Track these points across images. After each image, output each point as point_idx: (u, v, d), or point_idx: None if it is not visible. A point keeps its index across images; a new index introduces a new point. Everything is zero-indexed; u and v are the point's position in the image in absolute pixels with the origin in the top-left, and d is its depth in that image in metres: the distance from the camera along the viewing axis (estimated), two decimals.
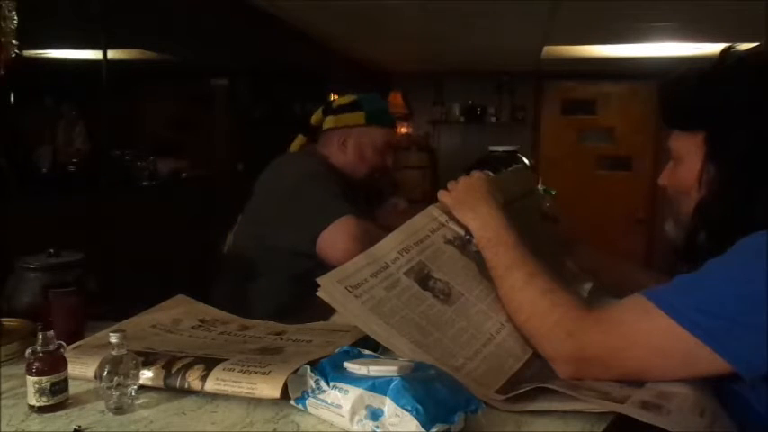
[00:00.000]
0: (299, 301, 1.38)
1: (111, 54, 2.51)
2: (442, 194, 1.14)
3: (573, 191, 5.38)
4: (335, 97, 1.89)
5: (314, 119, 1.81)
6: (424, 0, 3.52)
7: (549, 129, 6.66)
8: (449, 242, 1.09)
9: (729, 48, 0.99)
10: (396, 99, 6.38)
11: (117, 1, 2.50)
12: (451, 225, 1.12)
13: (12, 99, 2.04)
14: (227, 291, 1.62)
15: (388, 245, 1.05)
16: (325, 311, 1.14)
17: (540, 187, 1.40)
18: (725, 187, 0.94)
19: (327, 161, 1.71)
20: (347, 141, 1.73)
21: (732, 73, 0.96)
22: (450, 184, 1.15)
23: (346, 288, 0.95)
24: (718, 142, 0.95)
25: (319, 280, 0.95)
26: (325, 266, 1.36)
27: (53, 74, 2.32)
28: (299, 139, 1.84)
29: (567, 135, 6.63)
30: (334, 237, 1.45)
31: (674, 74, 1.01)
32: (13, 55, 1.38)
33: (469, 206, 1.09)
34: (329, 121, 1.76)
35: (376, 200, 1.86)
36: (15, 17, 1.38)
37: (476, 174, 1.15)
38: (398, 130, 6.31)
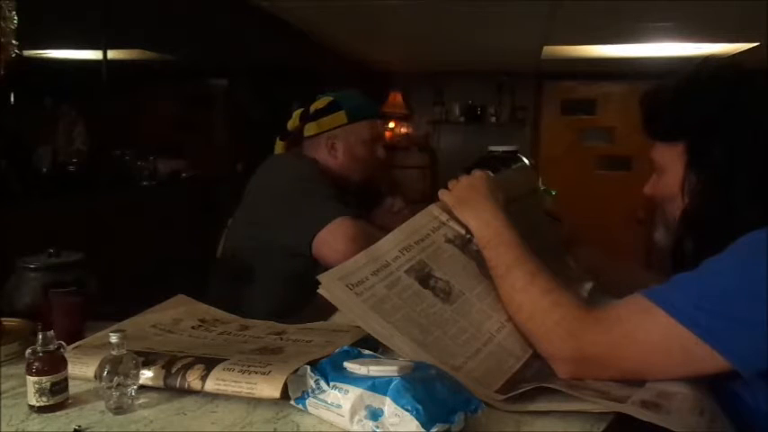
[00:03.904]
0: (295, 302, 1.39)
1: (111, 54, 2.51)
2: (442, 193, 1.14)
3: (573, 191, 5.37)
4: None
5: (290, 125, 1.76)
6: (424, 0, 3.51)
7: (549, 129, 6.65)
8: (449, 241, 1.09)
9: (707, 58, 1.02)
10: (396, 99, 6.38)
11: (117, 1, 2.50)
12: (452, 224, 1.11)
13: (12, 99, 2.04)
14: (223, 293, 1.61)
15: (389, 243, 1.05)
16: (323, 312, 1.14)
17: (540, 187, 1.41)
18: (706, 195, 0.97)
19: (318, 164, 1.69)
20: (336, 145, 1.69)
21: (707, 85, 0.99)
22: (450, 183, 1.15)
23: (347, 286, 0.95)
24: (697, 152, 0.99)
25: (320, 278, 0.95)
26: (321, 268, 1.37)
27: (53, 74, 2.31)
28: (279, 145, 1.79)
29: (567, 135, 6.63)
30: (332, 238, 1.45)
31: (653, 87, 1.04)
32: (13, 55, 1.37)
33: (470, 205, 1.10)
34: (311, 128, 1.71)
35: (373, 200, 1.85)
36: (15, 17, 1.38)
37: (477, 172, 1.15)
38: (389, 125, 6.31)
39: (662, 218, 1.08)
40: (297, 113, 1.76)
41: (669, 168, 1.02)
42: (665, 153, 1.03)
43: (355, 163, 1.72)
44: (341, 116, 1.70)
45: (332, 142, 1.70)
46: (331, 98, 1.73)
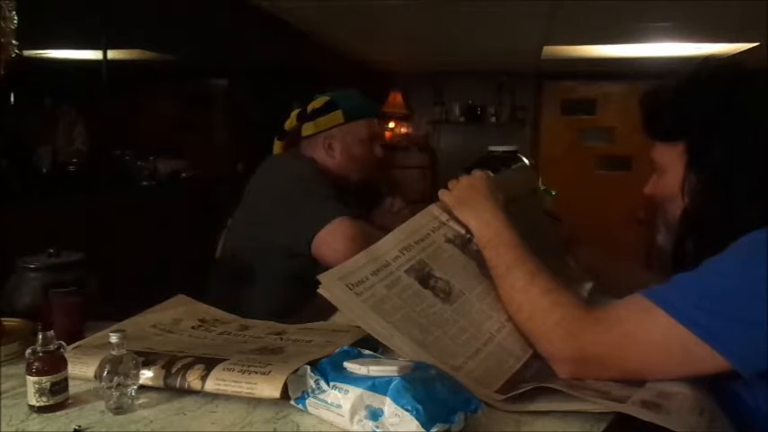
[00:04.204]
0: (295, 302, 1.39)
1: (111, 54, 2.51)
2: (442, 193, 1.14)
3: (573, 191, 5.37)
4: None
5: (288, 125, 1.76)
6: (424, 0, 3.52)
7: (549, 129, 6.66)
8: (449, 241, 1.09)
9: (707, 58, 1.02)
10: (396, 99, 6.38)
11: (117, 1, 2.50)
12: (452, 224, 1.11)
13: (12, 99, 2.04)
14: (223, 293, 1.61)
15: (389, 243, 1.05)
16: (323, 312, 1.14)
17: (540, 187, 1.41)
18: (706, 195, 0.97)
19: (317, 164, 1.69)
20: (333, 145, 1.70)
21: (707, 85, 0.99)
22: (451, 183, 1.15)
23: (347, 285, 0.95)
24: (696, 152, 0.98)
25: (320, 277, 0.95)
26: (321, 268, 1.36)
27: (53, 74, 2.31)
28: (278, 145, 1.79)
29: (567, 135, 6.63)
30: (331, 238, 1.45)
31: (653, 87, 1.04)
32: (13, 55, 1.37)
33: (470, 205, 1.10)
34: (308, 128, 1.72)
35: (373, 200, 1.85)
36: (15, 17, 1.38)
37: (477, 172, 1.15)
38: (389, 125, 6.32)
39: (662, 218, 1.08)
40: (294, 113, 1.76)
41: (669, 168, 1.02)
42: (665, 153, 1.03)
43: (353, 162, 1.72)
44: (338, 116, 1.70)
45: (329, 142, 1.70)
46: (328, 98, 1.72)
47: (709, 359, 0.82)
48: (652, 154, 1.06)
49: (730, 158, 0.95)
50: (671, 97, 1.02)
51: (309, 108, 1.73)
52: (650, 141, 1.06)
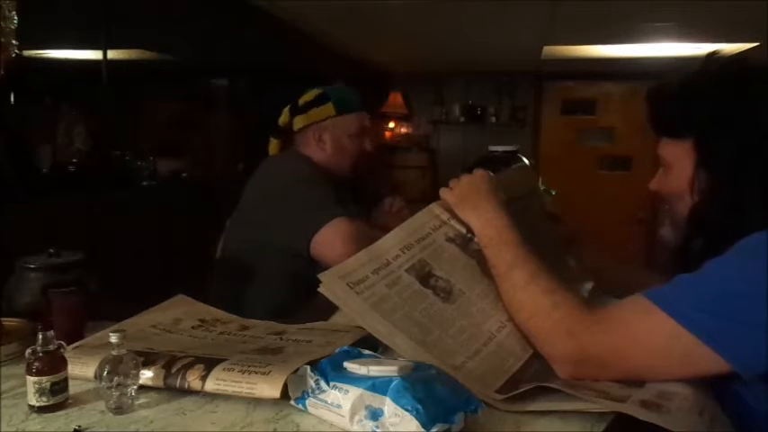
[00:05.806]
0: (295, 302, 1.39)
1: (111, 54, 2.51)
2: (444, 192, 1.14)
3: (573, 191, 5.37)
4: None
5: (281, 120, 1.78)
6: (424, 0, 3.52)
7: (549, 129, 6.65)
8: (450, 240, 1.09)
9: (713, 54, 1.01)
10: (396, 99, 6.37)
11: (117, 1, 2.50)
12: (453, 223, 1.11)
13: (12, 99, 2.04)
14: (223, 293, 1.61)
15: (390, 242, 1.05)
16: (323, 312, 1.14)
17: (540, 187, 1.40)
18: (716, 193, 0.96)
19: (312, 162, 1.70)
20: (323, 136, 1.71)
21: (714, 81, 0.98)
22: (452, 182, 1.15)
23: (348, 284, 0.95)
24: (706, 149, 0.97)
25: (321, 276, 0.95)
26: (321, 268, 1.37)
27: (53, 74, 2.32)
28: (274, 143, 1.81)
29: (567, 135, 6.63)
30: (330, 238, 1.45)
31: (660, 82, 1.03)
32: (13, 55, 1.37)
33: (471, 204, 1.09)
34: (300, 121, 1.74)
35: (372, 200, 1.85)
36: (15, 17, 1.38)
37: (478, 171, 1.15)
38: (389, 125, 6.32)
39: (668, 214, 1.07)
40: (286, 109, 1.78)
41: (677, 165, 1.01)
42: (672, 149, 1.01)
43: (343, 156, 1.73)
44: (329, 108, 1.72)
45: (320, 134, 1.72)
46: (319, 90, 1.75)
47: (710, 361, 0.82)
48: (658, 150, 1.04)
49: (740, 156, 0.93)
50: (678, 92, 1.00)
51: (301, 101, 1.76)
52: (656, 137, 1.05)
